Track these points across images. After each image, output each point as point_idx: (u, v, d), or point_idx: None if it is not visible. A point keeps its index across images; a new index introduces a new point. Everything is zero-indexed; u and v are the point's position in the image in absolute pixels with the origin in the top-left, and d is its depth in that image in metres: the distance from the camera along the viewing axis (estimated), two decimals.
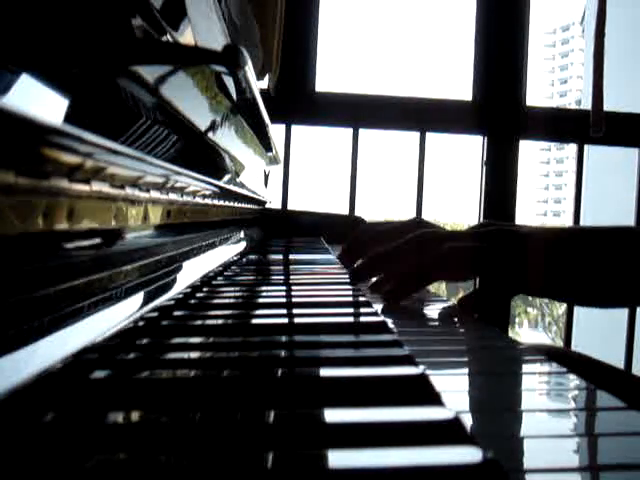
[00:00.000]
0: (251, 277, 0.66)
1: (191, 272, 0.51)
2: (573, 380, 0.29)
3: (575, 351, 0.81)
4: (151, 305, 0.36)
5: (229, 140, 0.63)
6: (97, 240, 0.32)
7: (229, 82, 0.58)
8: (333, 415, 0.21)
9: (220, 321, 0.40)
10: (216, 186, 0.58)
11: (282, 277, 0.69)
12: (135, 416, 0.22)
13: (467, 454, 0.18)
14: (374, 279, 0.59)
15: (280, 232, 1.26)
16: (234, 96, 0.61)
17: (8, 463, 0.17)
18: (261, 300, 0.51)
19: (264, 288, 0.57)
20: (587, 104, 1.35)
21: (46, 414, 0.21)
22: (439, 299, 0.57)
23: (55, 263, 0.26)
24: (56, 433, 0.20)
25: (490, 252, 0.50)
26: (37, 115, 0.20)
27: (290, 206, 1.48)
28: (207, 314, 0.41)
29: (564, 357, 0.68)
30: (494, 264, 0.50)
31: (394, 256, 0.56)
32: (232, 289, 0.55)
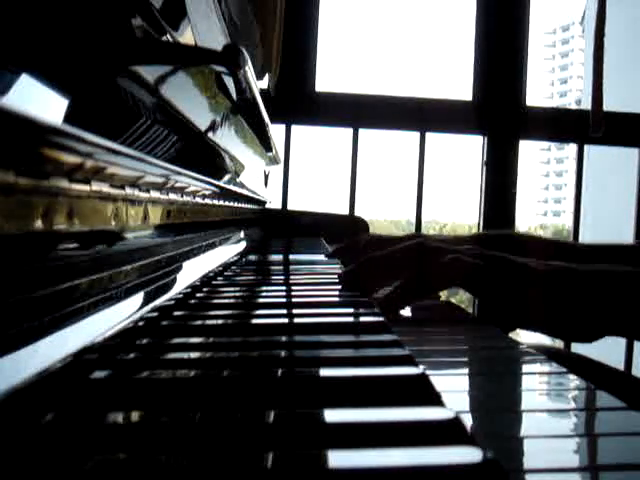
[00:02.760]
0: (251, 277, 0.66)
1: (191, 272, 0.51)
2: (573, 380, 0.29)
3: (574, 352, 0.81)
4: (151, 305, 0.36)
5: (229, 140, 0.63)
6: (97, 240, 0.32)
7: (229, 82, 0.58)
8: (333, 415, 0.21)
9: (220, 321, 0.40)
10: (216, 186, 0.58)
11: (282, 277, 0.69)
12: (135, 416, 0.22)
13: (467, 454, 0.18)
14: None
15: (280, 232, 1.26)
16: (234, 96, 0.61)
17: (8, 463, 0.17)
18: (261, 300, 0.51)
19: (264, 288, 0.57)
20: (587, 104, 1.35)
21: (46, 414, 0.21)
22: (437, 297, 0.57)
23: (55, 263, 0.26)
24: (56, 433, 0.20)
25: (491, 277, 0.50)
26: (37, 115, 0.20)
27: (290, 206, 1.48)
28: (207, 314, 0.41)
29: (564, 358, 0.68)
30: (494, 290, 0.50)
31: (390, 263, 0.53)
32: (232, 289, 0.55)
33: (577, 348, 1.56)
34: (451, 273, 0.49)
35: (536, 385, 0.31)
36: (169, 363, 0.29)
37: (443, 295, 0.62)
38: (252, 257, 0.87)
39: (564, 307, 0.48)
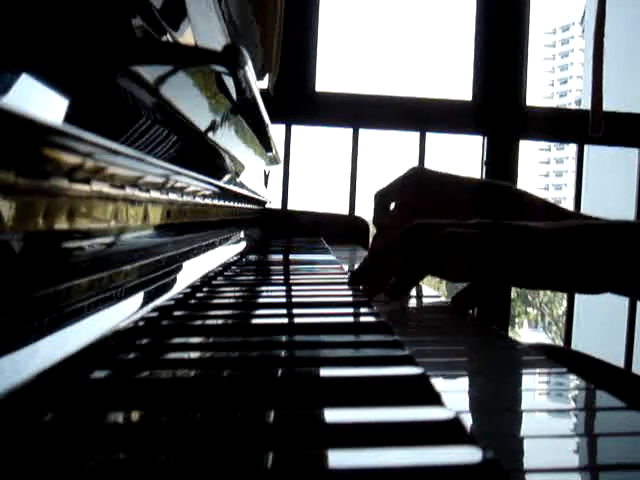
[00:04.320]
0: (251, 277, 0.66)
1: (191, 272, 0.51)
2: (573, 380, 0.29)
3: (574, 350, 0.81)
4: (151, 305, 0.36)
5: (229, 140, 0.63)
6: (97, 240, 0.32)
7: (229, 82, 0.58)
8: (333, 415, 0.21)
9: (220, 321, 0.40)
10: (216, 186, 0.58)
11: (282, 277, 0.69)
12: (135, 416, 0.22)
13: (467, 454, 0.18)
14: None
15: (280, 232, 1.26)
16: (234, 96, 0.61)
17: (8, 463, 0.17)
18: (261, 300, 0.51)
19: (264, 288, 0.57)
20: (587, 104, 1.35)
21: (46, 414, 0.21)
22: (437, 297, 0.57)
23: (55, 263, 0.26)
24: (56, 433, 0.20)
25: (489, 241, 0.49)
26: (37, 115, 0.20)
27: (290, 206, 1.48)
28: (207, 314, 0.41)
29: (563, 356, 0.68)
30: (493, 254, 0.49)
31: (391, 253, 0.54)
32: (232, 289, 0.55)
33: (577, 344, 1.56)
34: (450, 247, 0.49)
35: (536, 385, 0.31)
36: (169, 363, 0.29)
37: (443, 295, 0.62)
38: (252, 257, 0.87)
39: (571, 263, 0.48)
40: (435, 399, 0.23)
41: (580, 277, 0.49)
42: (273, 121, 0.92)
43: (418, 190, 0.66)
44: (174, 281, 0.45)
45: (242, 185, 0.79)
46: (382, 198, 0.71)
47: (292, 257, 0.93)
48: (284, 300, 0.49)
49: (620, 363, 1.45)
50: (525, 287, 0.53)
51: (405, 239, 0.52)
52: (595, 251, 0.48)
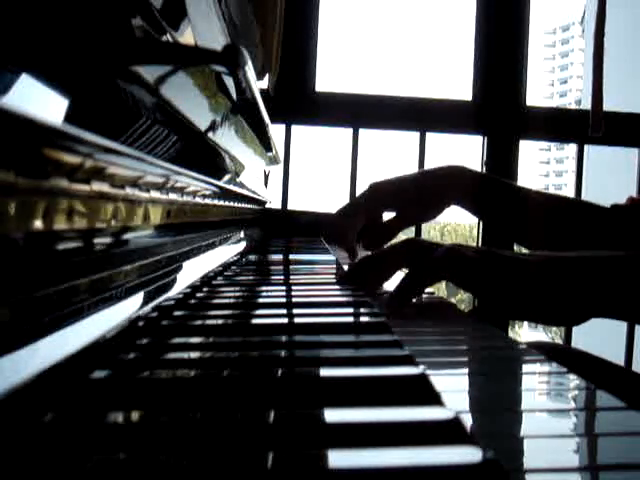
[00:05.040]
0: (251, 277, 0.66)
1: (191, 272, 0.51)
2: (573, 380, 0.29)
3: (574, 347, 0.81)
4: (151, 305, 0.36)
5: (229, 140, 0.63)
6: (97, 240, 0.32)
7: (229, 82, 0.58)
8: (333, 415, 0.21)
9: (220, 321, 0.40)
10: (216, 186, 0.58)
11: (282, 277, 0.69)
12: (135, 416, 0.22)
13: (467, 454, 0.18)
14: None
15: (280, 232, 1.26)
16: (234, 96, 0.61)
17: (9, 463, 0.17)
18: (261, 300, 0.51)
19: (264, 288, 0.57)
20: (587, 104, 1.35)
21: (46, 414, 0.21)
22: (437, 297, 0.57)
23: (55, 263, 0.26)
24: (56, 433, 0.20)
25: (484, 270, 0.50)
26: (37, 115, 0.20)
27: (290, 206, 1.48)
28: (207, 314, 0.41)
29: (563, 354, 0.68)
30: (487, 283, 0.51)
31: (384, 260, 0.55)
32: (232, 289, 0.55)
33: (577, 343, 1.56)
34: (449, 263, 0.50)
35: (536, 385, 0.31)
36: (169, 363, 0.29)
37: (444, 294, 0.62)
38: (252, 257, 0.87)
39: (556, 295, 0.49)
40: (435, 399, 0.23)
41: (562, 309, 0.50)
42: (273, 121, 0.92)
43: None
44: (174, 281, 0.45)
45: (242, 185, 0.79)
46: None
47: (292, 257, 0.93)
48: (284, 300, 0.49)
49: (620, 363, 1.45)
50: (512, 318, 0.54)
51: (400, 249, 0.54)
52: (576, 283, 0.49)
